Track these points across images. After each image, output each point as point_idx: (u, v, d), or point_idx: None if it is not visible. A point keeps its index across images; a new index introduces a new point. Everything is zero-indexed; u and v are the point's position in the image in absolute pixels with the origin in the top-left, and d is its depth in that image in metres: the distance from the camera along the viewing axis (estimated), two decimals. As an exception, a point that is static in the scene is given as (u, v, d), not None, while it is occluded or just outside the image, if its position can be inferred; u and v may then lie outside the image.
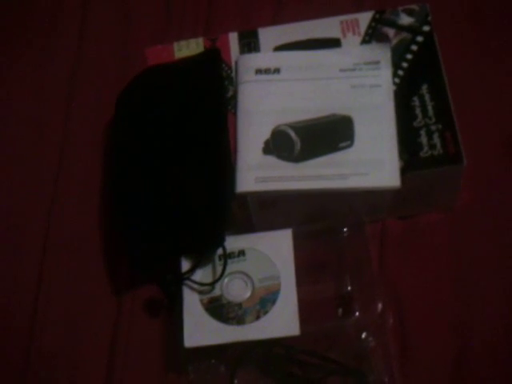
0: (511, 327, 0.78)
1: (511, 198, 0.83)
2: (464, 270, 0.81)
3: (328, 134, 0.78)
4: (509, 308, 0.79)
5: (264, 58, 0.83)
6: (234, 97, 0.82)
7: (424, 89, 0.79)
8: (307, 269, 0.77)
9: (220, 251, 0.77)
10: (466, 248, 0.82)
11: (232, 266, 0.77)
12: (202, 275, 0.77)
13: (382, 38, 0.82)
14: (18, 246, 0.89)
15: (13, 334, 0.85)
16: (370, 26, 0.83)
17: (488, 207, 0.83)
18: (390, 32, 0.83)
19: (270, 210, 0.79)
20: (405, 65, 0.81)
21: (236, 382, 0.76)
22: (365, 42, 0.83)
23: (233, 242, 0.77)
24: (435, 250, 0.82)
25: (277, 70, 0.82)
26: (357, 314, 0.77)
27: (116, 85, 0.87)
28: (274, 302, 0.75)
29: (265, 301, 0.76)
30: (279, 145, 0.78)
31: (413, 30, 0.82)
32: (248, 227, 0.80)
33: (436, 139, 0.77)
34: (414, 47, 0.81)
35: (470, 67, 0.89)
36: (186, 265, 0.77)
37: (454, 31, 0.90)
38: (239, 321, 0.75)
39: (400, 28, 0.82)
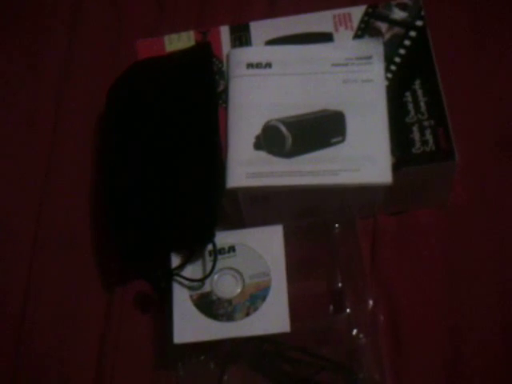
0: (504, 323, 0.78)
1: (505, 196, 0.83)
2: (456, 267, 0.81)
3: (319, 130, 0.78)
4: (502, 305, 0.78)
5: (255, 52, 0.82)
6: (225, 91, 0.81)
7: (417, 84, 0.79)
8: (298, 265, 0.77)
9: (210, 247, 0.77)
10: (459, 245, 0.82)
11: (222, 261, 0.77)
12: (191, 271, 0.77)
13: (375, 33, 0.82)
14: (7, 245, 0.89)
15: (2, 334, 0.84)
16: (362, 21, 0.83)
17: (482, 204, 0.83)
18: (383, 26, 0.82)
19: (261, 206, 0.79)
20: (397, 60, 0.80)
21: (226, 378, 0.76)
22: (357, 36, 0.82)
23: (223, 238, 0.77)
24: (428, 247, 0.82)
25: (268, 65, 0.81)
26: (348, 310, 0.77)
27: (107, 78, 0.86)
28: (264, 298, 0.75)
29: (255, 297, 0.75)
30: (270, 140, 0.78)
31: (406, 24, 0.81)
32: (239, 223, 0.80)
33: (428, 135, 0.77)
34: (407, 42, 0.81)
35: (464, 63, 0.89)
36: (176, 261, 0.77)
37: (448, 25, 0.90)
38: (229, 317, 0.75)
39: (393, 22, 0.82)
